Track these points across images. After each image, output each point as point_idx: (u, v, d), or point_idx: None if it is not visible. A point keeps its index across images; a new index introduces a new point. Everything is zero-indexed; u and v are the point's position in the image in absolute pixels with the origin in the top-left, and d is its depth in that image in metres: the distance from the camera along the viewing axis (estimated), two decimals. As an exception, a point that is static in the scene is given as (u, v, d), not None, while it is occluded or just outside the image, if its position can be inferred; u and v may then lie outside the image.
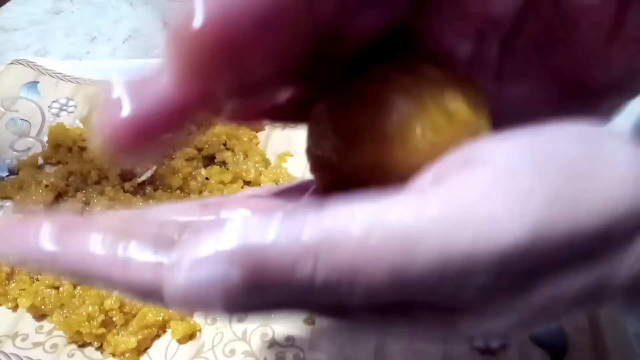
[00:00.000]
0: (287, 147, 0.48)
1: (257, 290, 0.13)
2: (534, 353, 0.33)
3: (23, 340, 0.36)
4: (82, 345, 0.36)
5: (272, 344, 0.35)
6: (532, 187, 0.13)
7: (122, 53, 0.64)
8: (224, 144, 0.47)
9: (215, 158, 0.46)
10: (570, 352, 0.33)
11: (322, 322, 0.36)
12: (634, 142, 0.15)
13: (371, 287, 0.13)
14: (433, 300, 0.14)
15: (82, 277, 0.14)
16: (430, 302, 0.14)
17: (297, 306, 0.15)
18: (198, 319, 0.36)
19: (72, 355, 0.35)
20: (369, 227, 0.13)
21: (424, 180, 0.15)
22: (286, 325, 0.36)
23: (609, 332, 0.33)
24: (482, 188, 0.13)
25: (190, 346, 0.35)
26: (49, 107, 0.52)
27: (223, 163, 0.46)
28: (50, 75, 0.54)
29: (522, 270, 0.14)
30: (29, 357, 0.35)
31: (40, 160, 0.47)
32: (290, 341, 0.35)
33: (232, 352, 0.35)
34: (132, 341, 0.34)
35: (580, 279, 0.14)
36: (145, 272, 0.14)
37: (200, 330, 0.36)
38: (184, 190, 0.44)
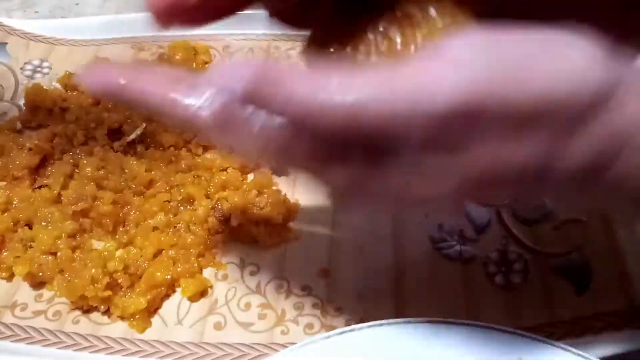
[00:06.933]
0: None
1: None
2: (557, 284, 0.33)
3: (22, 310, 0.34)
4: (87, 311, 0.34)
5: (289, 294, 0.34)
6: (473, 69, 0.16)
7: (113, 4, 0.60)
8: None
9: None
10: (595, 282, 0.33)
11: (338, 273, 0.35)
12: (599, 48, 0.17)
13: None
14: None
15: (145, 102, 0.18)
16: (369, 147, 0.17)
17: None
18: (208, 275, 0.35)
19: (78, 321, 0.33)
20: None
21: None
22: (300, 277, 0.35)
23: (632, 258, 0.33)
24: (427, 69, 0.16)
25: (202, 303, 0.34)
26: (21, 69, 0.49)
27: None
28: (19, 36, 0.51)
29: (457, 127, 0.16)
30: (32, 326, 0.33)
31: (19, 125, 0.44)
32: (306, 290, 0.34)
33: (248, 305, 0.33)
34: (142, 302, 0.33)
35: (524, 149, 0.17)
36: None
37: (211, 287, 0.34)
38: (178, 147, 0.42)
